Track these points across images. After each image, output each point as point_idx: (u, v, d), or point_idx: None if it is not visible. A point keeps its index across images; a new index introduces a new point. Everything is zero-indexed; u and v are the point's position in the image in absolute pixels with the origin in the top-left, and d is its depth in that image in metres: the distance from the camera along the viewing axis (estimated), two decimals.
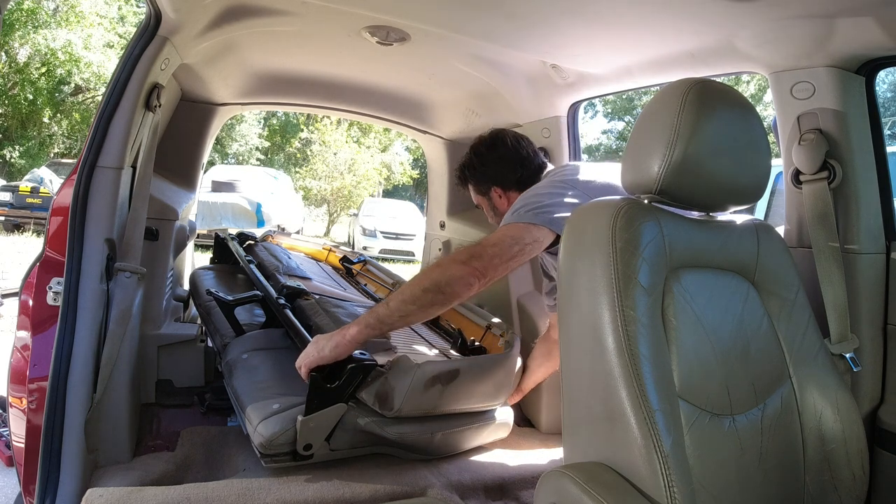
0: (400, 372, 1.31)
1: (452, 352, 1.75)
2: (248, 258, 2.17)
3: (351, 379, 1.27)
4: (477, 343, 1.77)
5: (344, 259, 2.73)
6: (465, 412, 1.49)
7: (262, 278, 1.89)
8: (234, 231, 2.74)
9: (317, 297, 1.78)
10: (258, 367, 1.52)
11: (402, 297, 1.19)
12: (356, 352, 1.28)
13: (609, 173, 1.35)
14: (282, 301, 1.68)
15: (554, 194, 1.26)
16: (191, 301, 2.16)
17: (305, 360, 1.24)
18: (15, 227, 8.43)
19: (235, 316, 1.71)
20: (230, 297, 1.68)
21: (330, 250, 2.91)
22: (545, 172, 1.50)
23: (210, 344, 1.82)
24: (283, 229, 10.05)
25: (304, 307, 1.70)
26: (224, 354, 1.63)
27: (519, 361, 1.60)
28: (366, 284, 2.50)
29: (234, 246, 2.34)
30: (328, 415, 1.27)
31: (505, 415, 1.61)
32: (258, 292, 1.77)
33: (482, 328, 1.84)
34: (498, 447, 1.69)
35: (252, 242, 2.52)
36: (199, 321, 2.00)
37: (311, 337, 1.37)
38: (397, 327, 1.29)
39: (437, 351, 1.73)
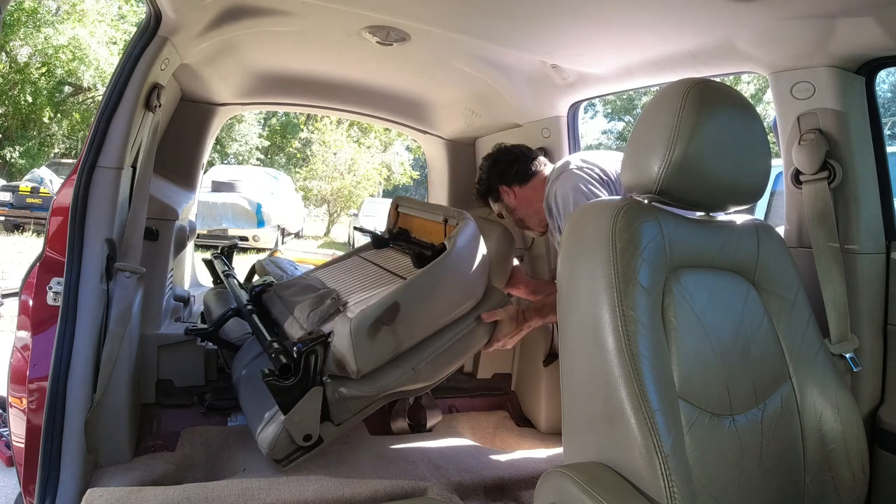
0: (339, 335, 1.28)
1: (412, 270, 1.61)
2: (225, 271, 2.16)
3: (307, 364, 1.27)
4: (436, 245, 1.62)
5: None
6: (441, 329, 1.40)
7: (235, 289, 1.88)
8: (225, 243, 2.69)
9: (273, 285, 1.78)
10: (253, 378, 1.53)
11: None
12: (302, 333, 1.34)
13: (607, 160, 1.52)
14: (249, 307, 1.68)
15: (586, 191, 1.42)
16: (191, 301, 2.17)
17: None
18: (15, 227, 8.42)
19: (223, 338, 1.73)
20: (205, 326, 1.71)
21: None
22: (549, 169, 1.62)
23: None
24: (284, 230, 10.09)
25: (265, 301, 1.71)
26: (232, 375, 1.65)
27: (481, 245, 1.47)
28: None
29: (219, 264, 2.29)
30: (308, 403, 1.27)
31: (496, 299, 1.50)
32: (232, 306, 1.77)
33: (440, 223, 1.69)
34: (498, 447, 1.69)
35: (261, 259, 2.51)
36: (198, 322, 2.01)
37: (272, 332, 1.43)
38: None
39: (392, 279, 1.60)
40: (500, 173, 1.67)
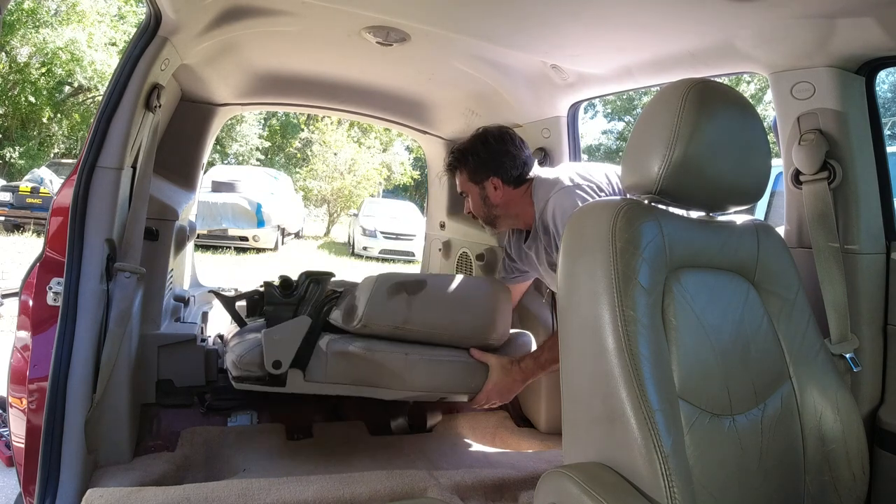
0: (363, 285, 1.36)
1: None
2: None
3: (306, 290, 1.32)
4: None
5: None
6: (449, 342, 1.44)
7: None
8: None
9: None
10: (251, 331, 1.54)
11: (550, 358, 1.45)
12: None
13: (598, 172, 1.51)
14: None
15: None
16: (191, 300, 2.17)
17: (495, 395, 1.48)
18: (15, 227, 8.42)
19: (237, 312, 1.70)
20: (230, 294, 1.72)
21: None
22: (535, 182, 1.55)
23: (211, 345, 1.82)
24: (284, 230, 10.09)
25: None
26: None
27: (509, 303, 1.53)
28: None
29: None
30: (292, 327, 1.30)
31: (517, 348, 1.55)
32: (259, 288, 1.77)
33: None
34: (498, 447, 1.69)
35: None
36: (199, 321, 2.01)
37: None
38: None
39: None
40: (500, 165, 1.54)
